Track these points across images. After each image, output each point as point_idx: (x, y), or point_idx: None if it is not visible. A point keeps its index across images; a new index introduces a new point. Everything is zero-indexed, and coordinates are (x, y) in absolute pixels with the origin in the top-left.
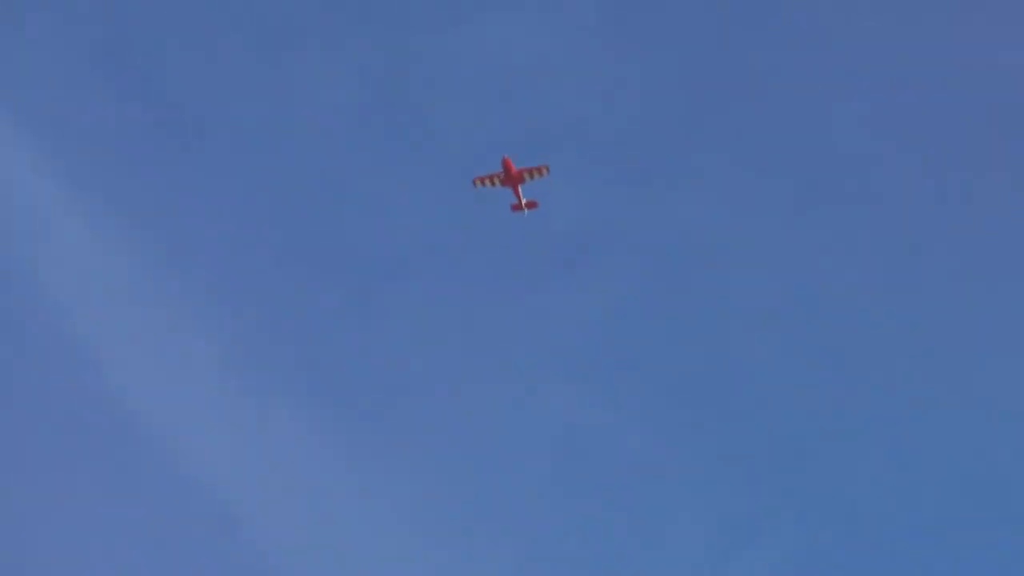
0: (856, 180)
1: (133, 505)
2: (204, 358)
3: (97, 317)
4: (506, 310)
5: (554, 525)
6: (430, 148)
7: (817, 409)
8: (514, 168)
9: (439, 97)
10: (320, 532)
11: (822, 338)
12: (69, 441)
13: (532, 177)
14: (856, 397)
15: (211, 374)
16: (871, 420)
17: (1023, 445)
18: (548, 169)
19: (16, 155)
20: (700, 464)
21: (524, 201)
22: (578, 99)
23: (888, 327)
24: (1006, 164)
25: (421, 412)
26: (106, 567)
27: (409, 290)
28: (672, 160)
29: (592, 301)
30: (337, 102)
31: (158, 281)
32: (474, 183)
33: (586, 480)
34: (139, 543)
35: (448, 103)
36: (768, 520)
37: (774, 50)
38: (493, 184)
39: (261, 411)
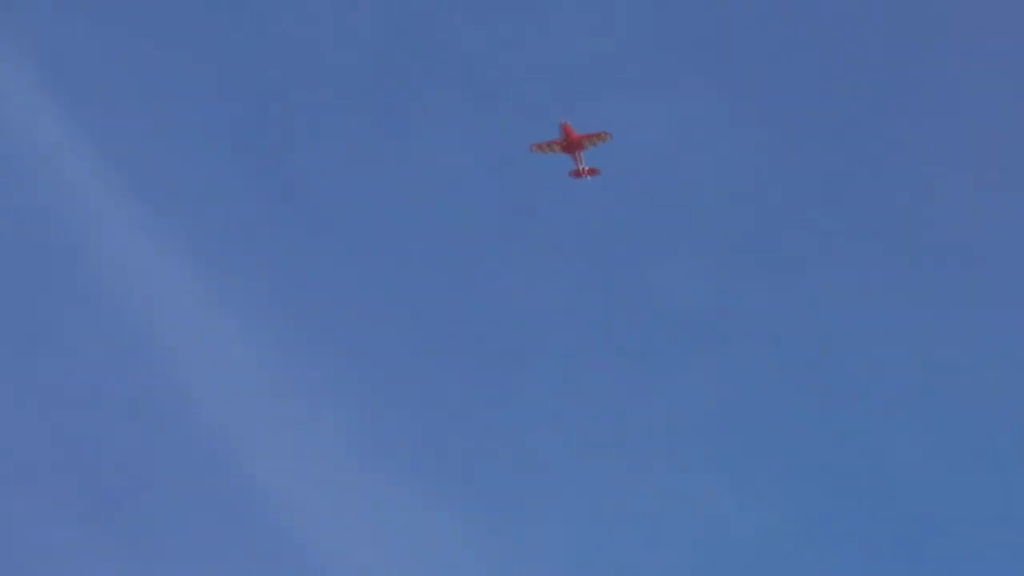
0: (985, 266)
1: None
2: (334, 443)
3: (219, 398)
4: (635, 395)
5: None
6: (554, 228)
7: (949, 490)
8: (574, 133)
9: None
10: None
11: (951, 420)
12: (201, 527)
13: (593, 143)
14: (988, 476)
15: (341, 459)
16: (1004, 500)
17: None
18: (610, 135)
19: (149, 236)
20: (834, 548)
21: (585, 168)
22: (706, 183)
23: (1015, 408)
24: None
25: (554, 498)
26: None
27: (539, 374)
28: (800, 245)
29: (722, 386)
30: (458, 180)
31: (284, 359)
32: (531, 149)
33: (722, 566)
34: None
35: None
36: None
37: (903, 130)
38: (552, 150)
39: (390, 494)
